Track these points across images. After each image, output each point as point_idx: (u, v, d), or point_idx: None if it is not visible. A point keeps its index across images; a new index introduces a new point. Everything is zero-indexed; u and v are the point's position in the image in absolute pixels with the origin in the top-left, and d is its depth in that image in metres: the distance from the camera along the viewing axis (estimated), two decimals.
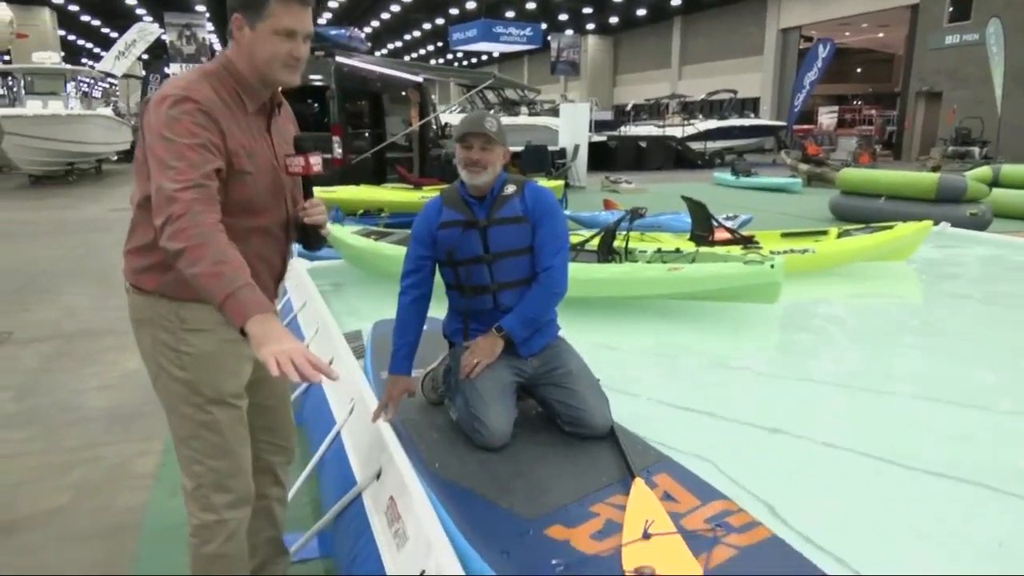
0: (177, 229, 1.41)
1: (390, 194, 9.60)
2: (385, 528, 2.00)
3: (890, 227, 6.33)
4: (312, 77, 10.26)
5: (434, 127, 14.26)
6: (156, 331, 1.63)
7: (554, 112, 21.36)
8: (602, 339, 4.45)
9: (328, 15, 38.50)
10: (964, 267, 7.04)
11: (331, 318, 3.69)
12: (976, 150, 19.12)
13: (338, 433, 2.70)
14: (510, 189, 2.47)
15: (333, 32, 13.32)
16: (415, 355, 2.53)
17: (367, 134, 11.87)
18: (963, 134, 20.68)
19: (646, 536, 1.75)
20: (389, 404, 2.42)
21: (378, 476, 2.22)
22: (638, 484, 2.00)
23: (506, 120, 16.73)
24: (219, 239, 1.44)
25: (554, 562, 1.69)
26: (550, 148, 15.65)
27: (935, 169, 15.13)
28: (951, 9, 23.52)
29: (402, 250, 3.11)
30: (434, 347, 2.85)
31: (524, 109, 22.70)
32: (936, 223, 7.05)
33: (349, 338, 3.56)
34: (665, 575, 1.58)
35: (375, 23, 40.52)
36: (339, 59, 10.95)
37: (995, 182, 10.87)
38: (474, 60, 49.32)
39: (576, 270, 4.78)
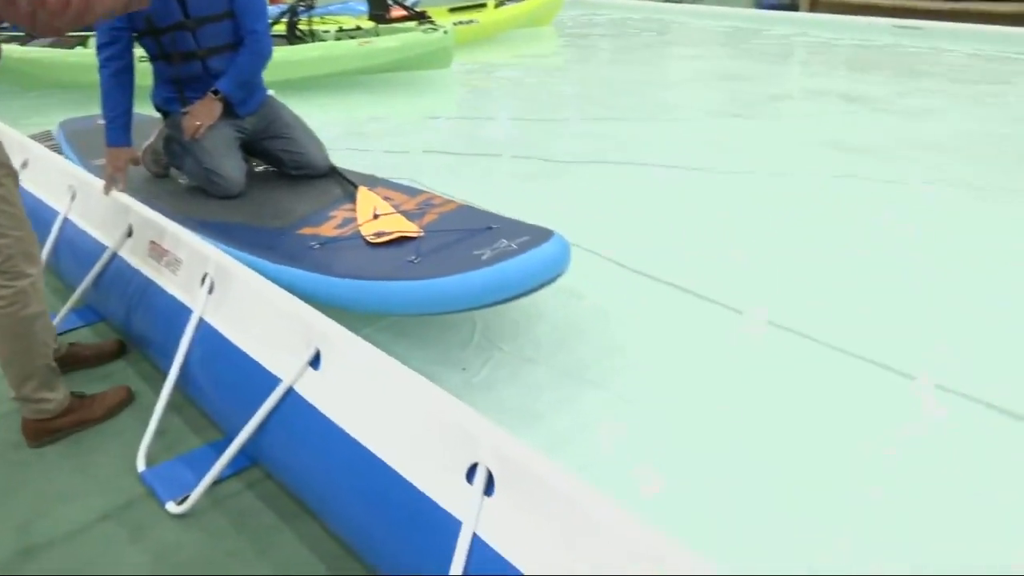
0: None
1: None
2: (155, 266, 2.31)
3: None
4: None
5: None
6: None
7: None
8: (306, 109, 4.83)
9: None
10: (596, 25, 8.37)
11: (4, 126, 3.46)
12: None
13: (65, 219, 2.78)
14: None
15: None
16: (131, 129, 2.66)
17: None
18: None
19: (375, 216, 2.33)
20: (116, 176, 2.57)
21: (129, 234, 2.46)
22: (362, 190, 2.56)
23: None
24: None
25: (311, 244, 2.22)
26: None
27: None
28: None
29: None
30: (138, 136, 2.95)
31: None
32: None
33: (38, 139, 3.43)
34: (392, 230, 2.20)
35: None
36: None
37: None
38: None
39: (300, 52, 4.94)
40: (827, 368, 2.07)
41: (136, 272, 2.36)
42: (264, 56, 2.76)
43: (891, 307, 2.38)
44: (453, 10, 7.15)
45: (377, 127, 4.69)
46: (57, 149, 3.47)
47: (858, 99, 5.12)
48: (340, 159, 3.00)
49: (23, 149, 3.17)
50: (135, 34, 2.60)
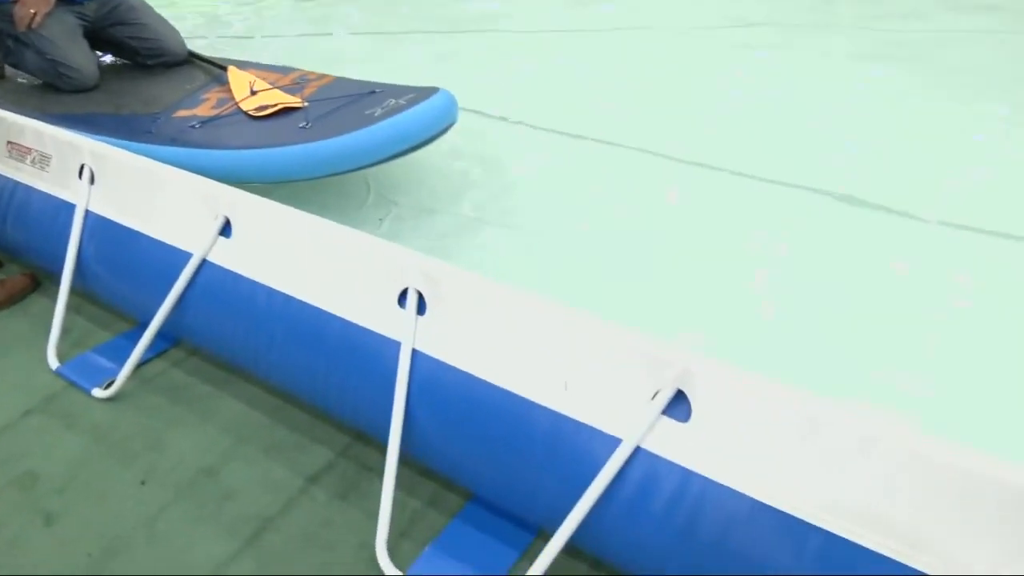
0: None
1: None
2: (18, 166, 2.16)
3: None
4: None
5: None
6: None
7: None
8: None
9: None
10: None
11: None
12: None
13: None
14: None
15: None
16: None
17: None
18: None
19: (253, 92, 2.28)
20: None
21: None
22: (232, 70, 2.47)
23: None
24: None
25: (191, 124, 2.16)
26: None
27: None
28: None
29: None
30: None
31: None
32: None
33: None
34: (274, 102, 2.17)
35: None
36: None
37: None
38: None
39: None
40: (684, 182, 2.35)
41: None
42: None
43: (750, 129, 2.67)
44: None
45: (226, 9, 4.42)
46: None
47: None
48: (200, 48, 2.86)
49: None
50: None
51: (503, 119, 2.78)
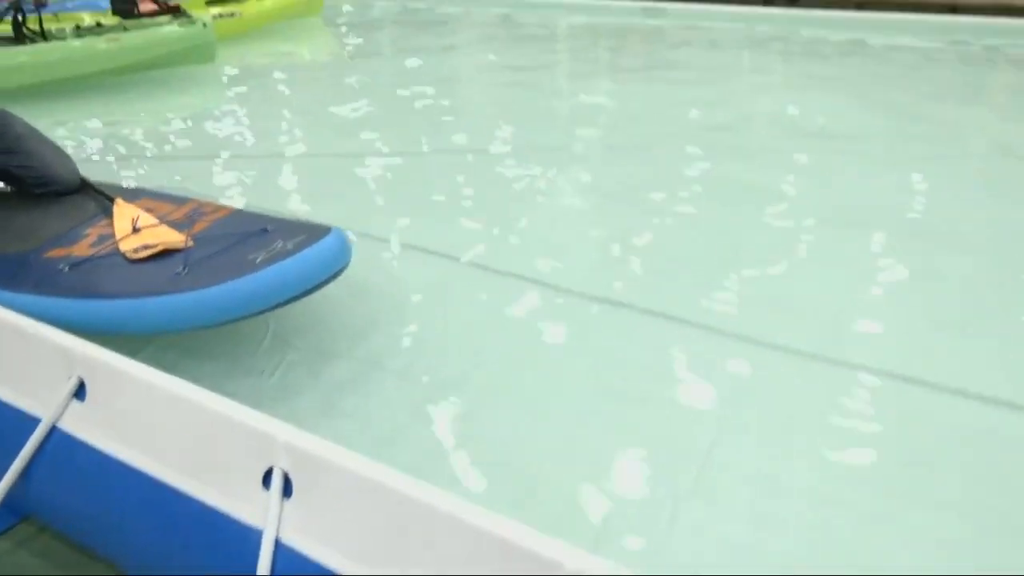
0: None
1: None
2: None
3: None
4: None
5: None
6: None
7: None
8: (55, 119, 4.27)
9: None
10: (369, 18, 8.27)
11: None
12: None
13: None
14: None
15: None
16: None
17: None
18: None
19: (136, 230, 2.15)
20: None
21: None
22: (119, 203, 2.34)
23: None
24: None
25: (60, 267, 2.00)
26: None
27: None
28: None
29: None
30: None
31: None
32: None
33: None
34: (156, 242, 2.04)
35: None
36: None
37: None
38: None
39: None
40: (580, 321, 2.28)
41: None
42: None
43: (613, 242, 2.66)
44: (211, 2, 6.68)
45: (136, 133, 4.29)
46: None
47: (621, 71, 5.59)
48: (99, 172, 2.73)
49: None
50: None
51: (415, 248, 2.70)
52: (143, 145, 4.07)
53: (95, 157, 3.74)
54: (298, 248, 1.89)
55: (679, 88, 5.04)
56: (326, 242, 1.93)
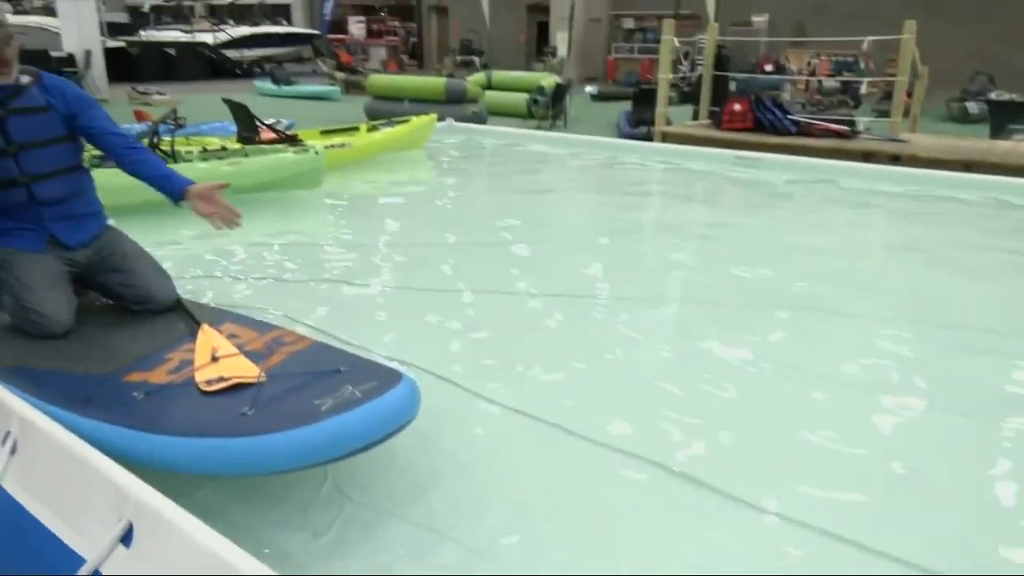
0: None
1: None
2: None
3: (406, 121, 7.49)
4: None
5: None
6: None
7: (48, 10, 18.05)
8: (163, 237, 4.53)
9: None
10: (468, 152, 8.70)
11: None
12: (477, 59, 22.51)
13: None
14: (25, 79, 2.46)
15: None
16: None
17: None
18: (466, 44, 24.09)
19: (214, 359, 2.17)
20: None
21: None
22: (205, 329, 2.39)
23: None
24: None
25: (135, 394, 2.01)
26: (53, 54, 13.42)
27: (449, 75, 17.47)
28: None
29: None
30: None
31: (6, 6, 18.69)
32: (442, 118, 8.49)
33: None
34: (230, 376, 2.04)
35: None
36: None
37: (488, 85, 13.25)
38: None
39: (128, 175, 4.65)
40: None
41: None
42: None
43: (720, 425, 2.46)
44: (325, 132, 7.22)
45: (238, 252, 4.52)
46: None
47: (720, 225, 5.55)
48: (192, 289, 2.83)
49: None
50: None
51: (493, 402, 2.57)
52: (244, 265, 4.26)
53: (196, 273, 3.91)
54: (367, 397, 1.84)
55: (772, 239, 4.93)
56: (395, 393, 1.87)
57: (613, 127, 11.41)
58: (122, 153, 2.62)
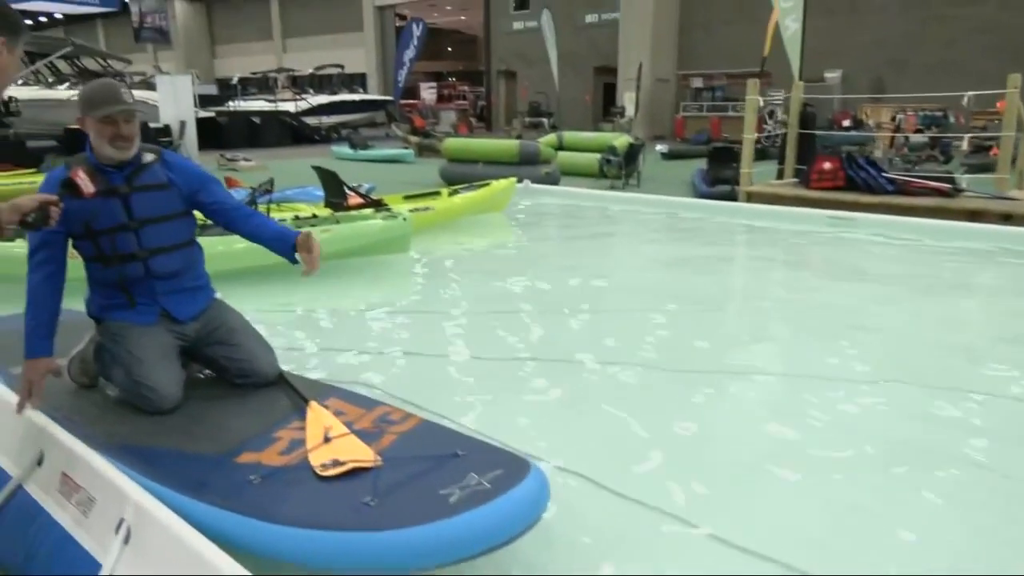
0: None
1: None
2: (64, 504, 1.98)
3: (487, 184, 7.53)
4: None
5: None
6: None
7: (148, 85, 19.35)
8: (262, 304, 4.56)
9: None
10: (544, 214, 8.68)
11: None
12: (545, 120, 22.92)
13: None
14: (149, 157, 2.50)
15: None
16: (54, 336, 2.42)
17: None
18: (535, 107, 24.62)
19: (327, 440, 2.08)
20: (32, 390, 2.30)
21: (39, 462, 2.14)
22: (313, 406, 2.31)
23: None
24: None
25: (250, 477, 1.93)
26: (152, 125, 14.29)
27: (518, 137, 17.76)
28: None
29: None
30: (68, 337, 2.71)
31: (121, 84, 20.11)
32: (520, 180, 8.53)
33: None
34: (346, 459, 1.94)
35: None
36: None
37: (560, 146, 13.35)
38: (29, 23, 41.30)
39: (227, 243, 4.78)
40: None
41: (41, 511, 2.01)
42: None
43: None
44: (408, 197, 7.32)
45: (329, 321, 4.51)
46: None
47: (809, 290, 5.27)
48: (289, 358, 2.78)
49: None
50: (71, 237, 2.44)
51: (604, 488, 2.39)
52: (337, 335, 4.22)
53: (289, 343, 3.88)
54: (497, 489, 1.69)
55: (880, 307, 4.62)
56: (527, 485, 1.72)
57: (687, 186, 11.25)
58: (243, 222, 2.64)
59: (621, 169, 11.52)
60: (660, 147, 16.91)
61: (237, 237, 2.70)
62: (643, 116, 22.02)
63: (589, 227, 7.93)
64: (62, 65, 17.74)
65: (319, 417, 2.24)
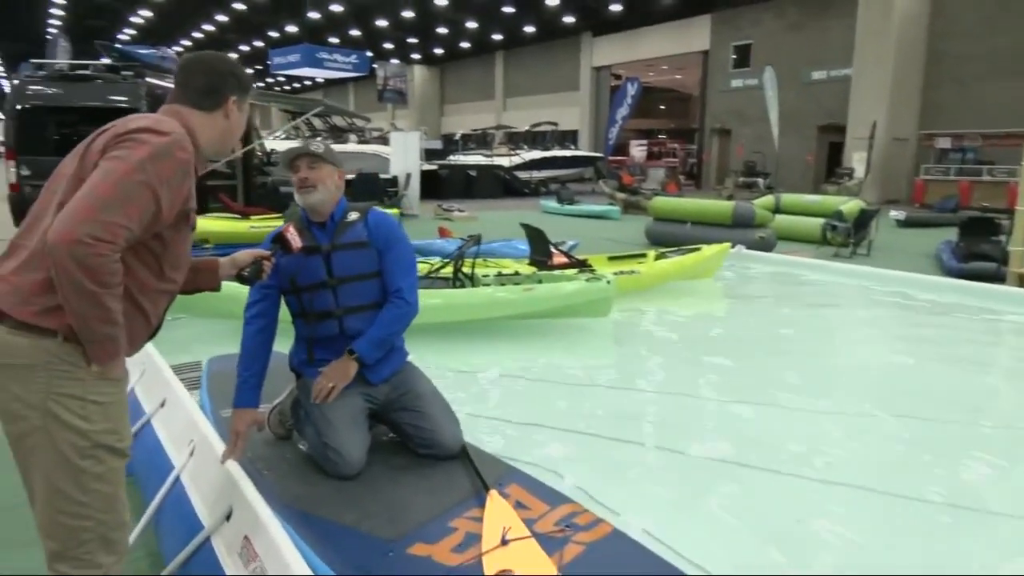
0: None
1: (215, 224, 9.11)
2: (240, 569, 1.95)
3: (697, 249, 7.09)
4: (114, 99, 9.51)
5: (259, 153, 13.73)
6: (54, 377, 1.54)
7: (383, 140, 21.37)
8: (453, 363, 4.55)
9: (131, 31, 35.79)
10: (757, 283, 8.00)
11: (158, 355, 3.48)
12: (760, 180, 21.75)
13: (177, 477, 2.56)
14: (353, 216, 2.52)
15: (143, 51, 12.44)
16: (262, 387, 2.48)
17: None
18: (750, 166, 23.51)
19: (504, 543, 1.86)
20: (237, 440, 2.35)
21: (228, 517, 2.15)
22: (493, 496, 2.12)
23: (336, 148, 16.47)
24: None
25: None
26: (382, 176, 15.63)
27: (730, 198, 16.95)
28: (734, 57, 26.67)
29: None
30: (278, 382, 2.80)
31: (353, 137, 22.52)
32: (733, 245, 7.96)
33: (179, 370, 3.39)
34: (523, 572, 1.70)
35: (186, 42, 38.27)
36: (150, 80, 10.26)
37: (777, 209, 12.44)
38: (296, 85, 48.02)
39: (435, 296, 4.88)
40: None
41: (221, 571, 1.99)
42: (410, 315, 2.56)
43: None
44: (613, 258, 7.10)
45: (516, 389, 4.34)
46: (194, 383, 3.42)
47: None
48: (474, 426, 2.62)
49: (165, 386, 3.10)
50: (282, 293, 2.50)
51: None
52: (523, 402, 4.03)
53: (477, 410, 3.74)
54: None
55: None
56: None
57: (929, 260, 9.86)
58: (388, 294, 2.54)
59: (849, 236, 10.42)
60: (896, 213, 15.18)
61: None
62: (874, 178, 20.08)
63: (809, 298, 7.15)
64: (316, 122, 20.17)
65: (499, 511, 2.03)
